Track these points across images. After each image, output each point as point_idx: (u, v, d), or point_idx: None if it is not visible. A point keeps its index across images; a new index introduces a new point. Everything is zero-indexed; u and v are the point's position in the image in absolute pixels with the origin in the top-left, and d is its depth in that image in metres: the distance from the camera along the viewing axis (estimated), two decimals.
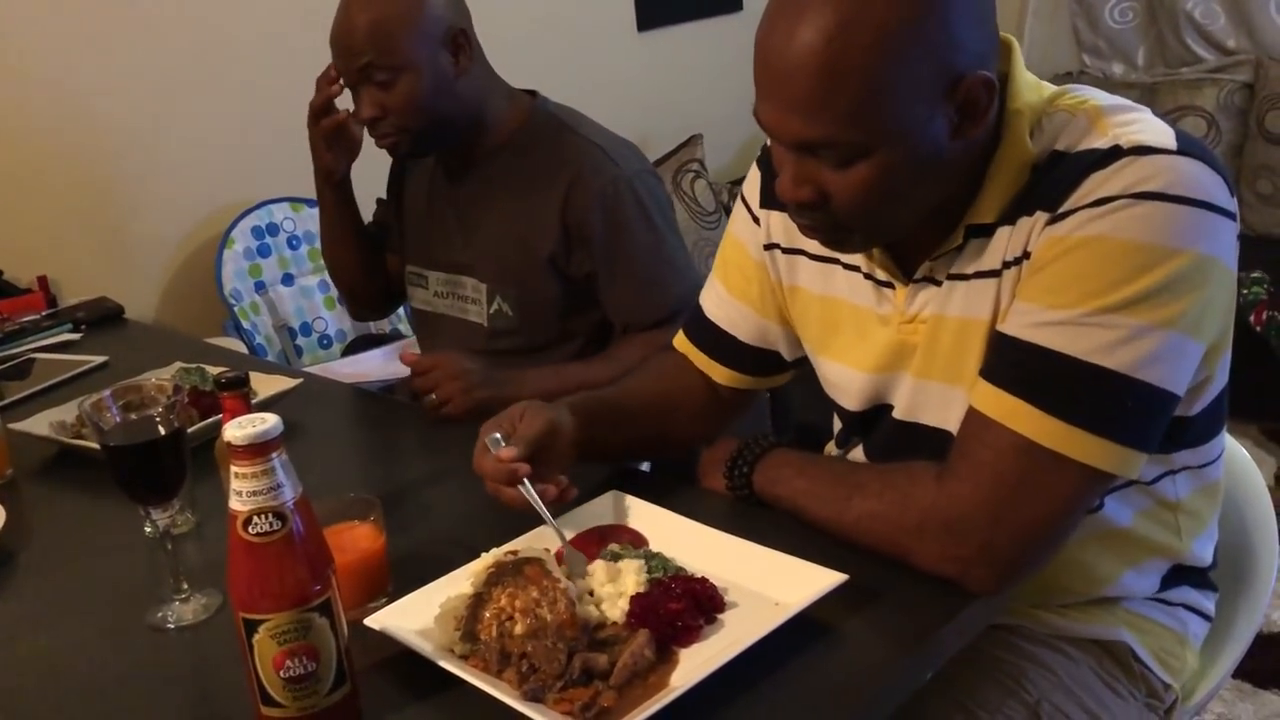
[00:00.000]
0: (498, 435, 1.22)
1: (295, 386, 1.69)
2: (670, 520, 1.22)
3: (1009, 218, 1.10)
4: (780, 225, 1.32)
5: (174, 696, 1.08)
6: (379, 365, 2.30)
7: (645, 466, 1.66)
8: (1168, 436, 1.10)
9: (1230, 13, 3.95)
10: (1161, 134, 1.05)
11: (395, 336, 2.53)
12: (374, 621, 1.06)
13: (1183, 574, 1.26)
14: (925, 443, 1.18)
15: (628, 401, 1.41)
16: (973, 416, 1.08)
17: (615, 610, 1.07)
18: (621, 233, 1.73)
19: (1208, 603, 1.30)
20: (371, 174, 2.03)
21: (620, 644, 1.01)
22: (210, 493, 1.27)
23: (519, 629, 1.01)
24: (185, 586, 1.18)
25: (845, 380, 1.29)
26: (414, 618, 1.07)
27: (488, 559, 1.08)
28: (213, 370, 1.71)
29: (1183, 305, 1.01)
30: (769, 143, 1.30)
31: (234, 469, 0.90)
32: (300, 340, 2.63)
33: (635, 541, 1.20)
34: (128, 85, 2.55)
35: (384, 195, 2.06)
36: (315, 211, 2.79)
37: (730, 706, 0.95)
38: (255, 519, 0.90)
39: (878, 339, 1.23)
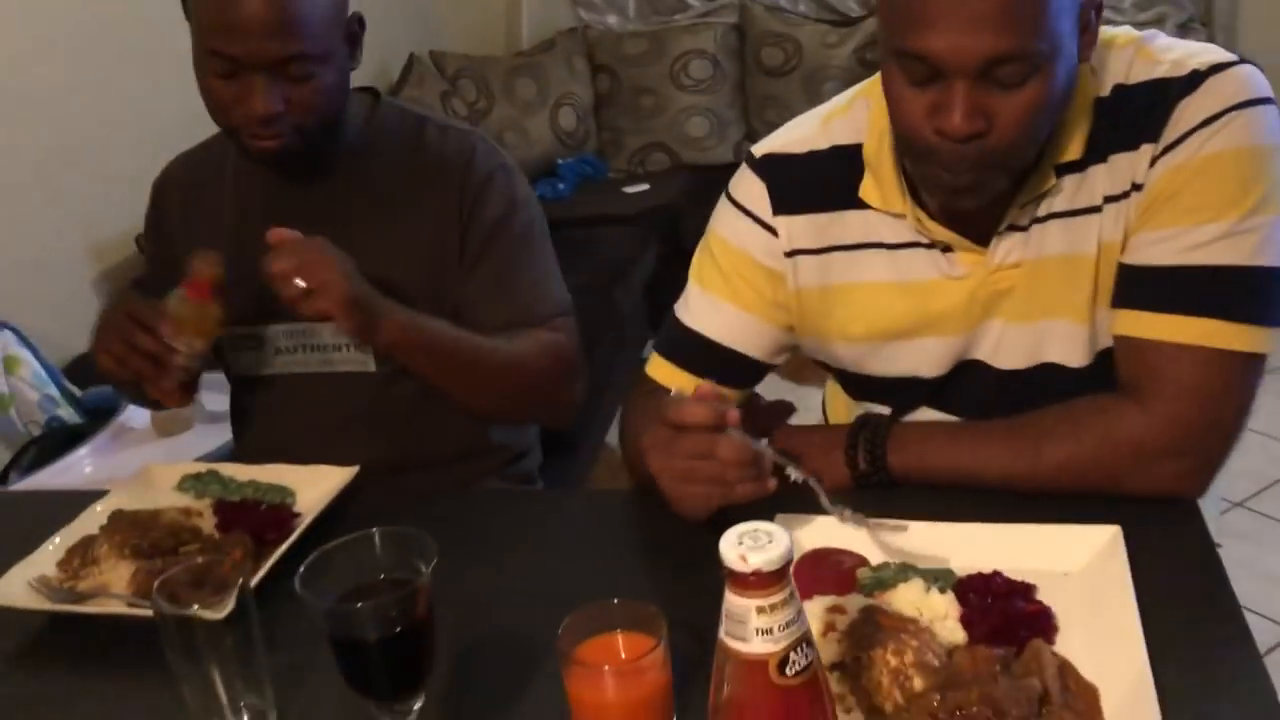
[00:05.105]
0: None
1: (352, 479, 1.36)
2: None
3: (1097, 154, 1.16)
4: (804, 228, 1.28)
5: None
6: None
7: None
8: None
9: None
10: (1216, 50, 1.18)
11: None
12: None
13: None
14: (1021, 385, 1.23)
15: None
16: (1156, 347, 1.13)
17: (953, 635, 0.99)
18: (510, 226, 1.53)
19: None
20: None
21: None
22: None
23: (918, 685, 0.90)
24: None
25: (921, 354, 1.28)
26: None
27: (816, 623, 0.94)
28: (230, 472, 1.38)
29: None
30: (772, 150, 1.30)
31: (754, 602, 0.69)
32: None
33: (862, 563, 1.10)
34: None
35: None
36: None
37: None
38: (791, 657, 0.71)
39: (953, 300, 1.24)
